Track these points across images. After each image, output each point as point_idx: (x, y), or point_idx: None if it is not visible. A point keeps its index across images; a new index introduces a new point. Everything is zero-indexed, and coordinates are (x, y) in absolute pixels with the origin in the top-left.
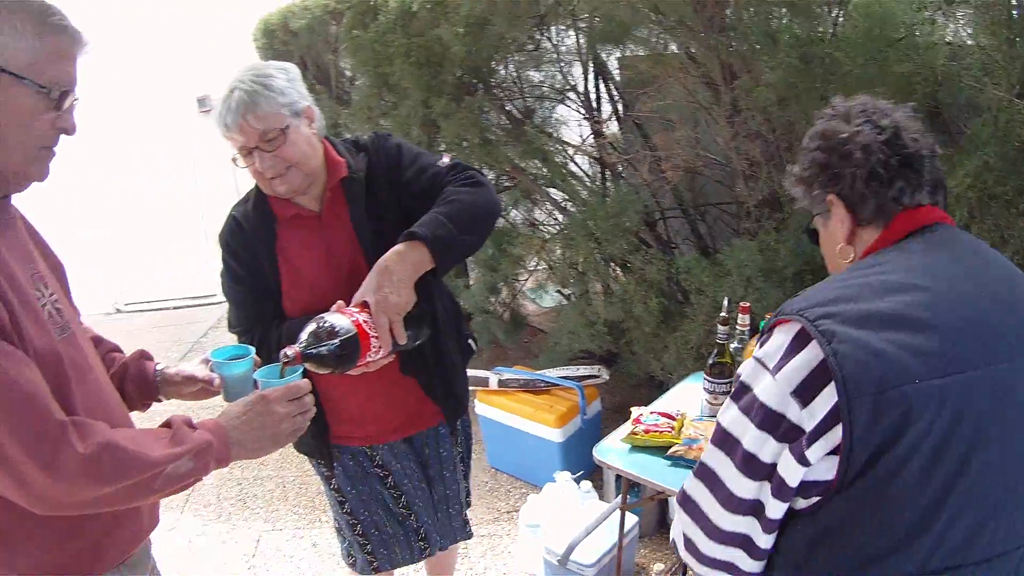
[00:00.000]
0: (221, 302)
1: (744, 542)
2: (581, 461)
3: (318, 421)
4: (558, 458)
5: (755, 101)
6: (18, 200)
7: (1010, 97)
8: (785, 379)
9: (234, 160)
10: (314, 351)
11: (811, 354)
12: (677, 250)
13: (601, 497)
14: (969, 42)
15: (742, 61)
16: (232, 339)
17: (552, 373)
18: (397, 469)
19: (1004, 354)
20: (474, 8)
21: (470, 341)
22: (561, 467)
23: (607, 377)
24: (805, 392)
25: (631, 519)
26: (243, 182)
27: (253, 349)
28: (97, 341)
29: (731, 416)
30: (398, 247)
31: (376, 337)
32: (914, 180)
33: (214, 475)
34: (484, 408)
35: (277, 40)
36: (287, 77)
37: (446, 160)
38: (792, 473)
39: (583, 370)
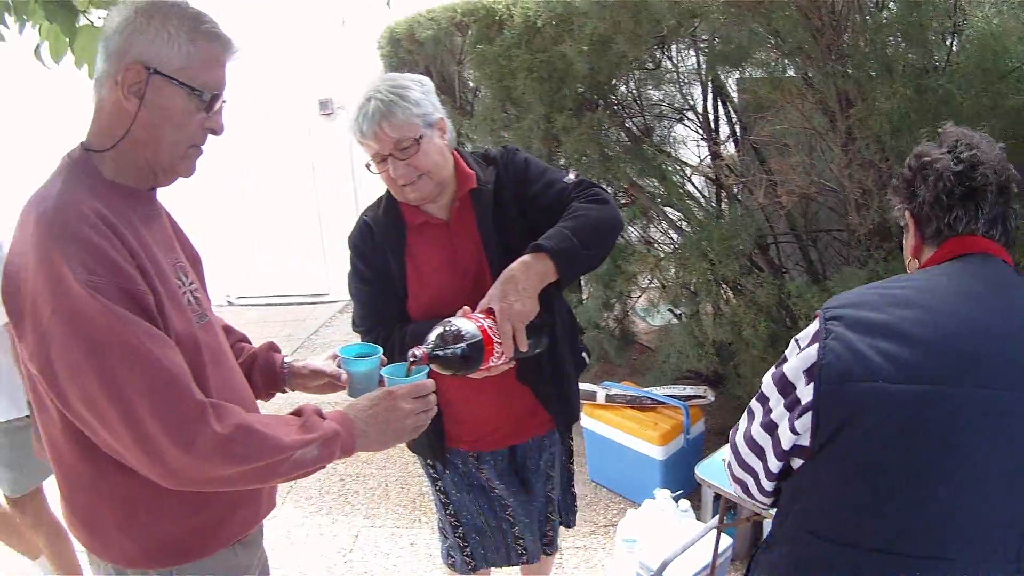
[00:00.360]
0: (333, 301)
1: (753, 474)
2: (681, 480)
3: (435, 422)
4: (659, 475)
5: (869, 130)
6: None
7: None
8: (802, 359)
9: (368, 166)
10: (440, 352)
11: (817, 345)
12: (788, 275)
13: (698, 517)
14: None
15: (857, 89)
16: (355, 337)
17: (658, 391)
18: (502, 476)
19: (974, 379)
20: (598, 27)
21: (584, 354)
22: (661, 484)
23: (712, 398)
24: (809, 373)
25: (725, 540)
26: (362, 187)
27: (381, 348)
28: (227, 330)
29: (770, 377)
30: (524, 258)
31: (499, 343)
32: (972, 211)
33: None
34: (589, 422)
35: (402, 49)
36: (422, 89)
37: (572, 176)
38: (785, 438)
39: (689, 390)
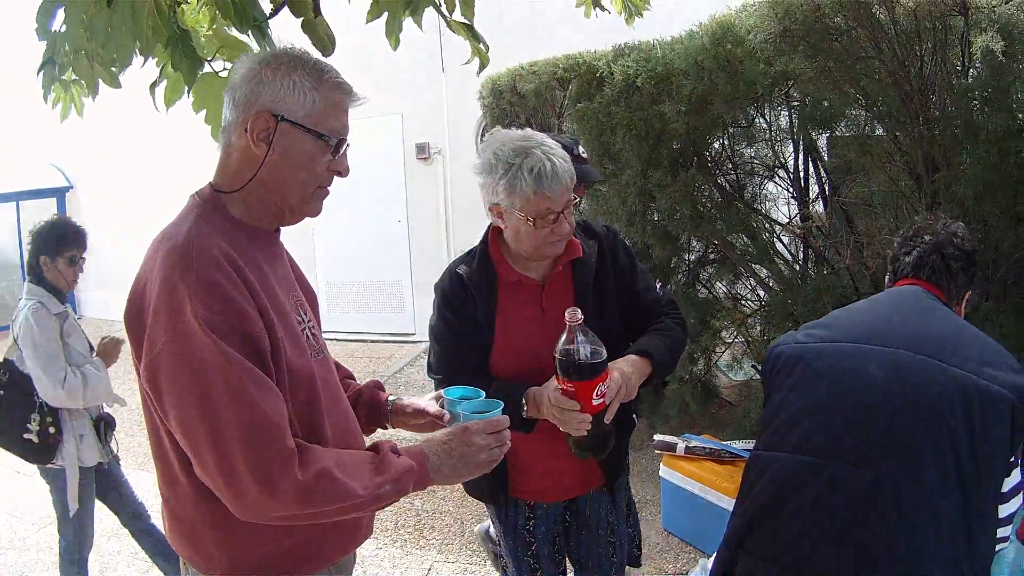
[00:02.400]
0: (418, 341)
1: None
2: None
3: (498, 469)
4: None
5: (953, 194)
6: None
7: None
8: None
9: (533, 221)
10: (575, 349)
11: None
12: None
13: None
14: None
15: (943, 154)
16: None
17: (738, 445)
18: (558, 527)
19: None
20: (696, 88)
21: (634, 415)
22: None
23: None
24: None
25: None
26: (454, 232)
27: (483, 392)
28: (337, 366)
29: None
30: (634, 358)
31: (606, 388)
32: (905, 265)
33: (394, 504)
34: (667, 472)
35: (504, 100)
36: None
37: (661, 292)
38: None
39: None
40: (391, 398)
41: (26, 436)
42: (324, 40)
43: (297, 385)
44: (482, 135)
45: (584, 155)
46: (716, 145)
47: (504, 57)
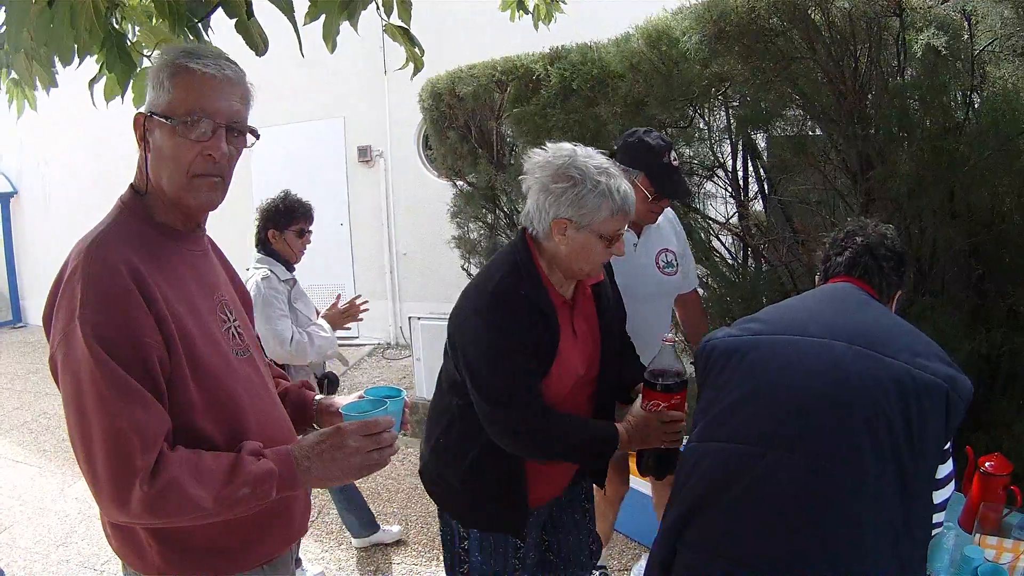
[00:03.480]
0: (361, 344)
1: None
2: None
3: (517, 491)
4: None
5: (887, 191)
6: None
7: None
8: None
9: (605, 240)
10: (676, 369)
11: None
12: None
13: None
14: None
15: (877, 152)
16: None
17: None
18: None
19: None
20: (631, 89)
21: None
22: None
23: None
24: None
25: None
26: (397, 235)
27: (404, 392)
28: (269, 365)
29: None
30: None
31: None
32: (837, 264)
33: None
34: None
35: (443, 103)
36: None
37: None
38: None
39: None
40: (317, 397)
41: None
42: (257, 41)
43: (213, 384)
44: (424, 139)
45: (675, 162)
46: None
47: (447, 60)
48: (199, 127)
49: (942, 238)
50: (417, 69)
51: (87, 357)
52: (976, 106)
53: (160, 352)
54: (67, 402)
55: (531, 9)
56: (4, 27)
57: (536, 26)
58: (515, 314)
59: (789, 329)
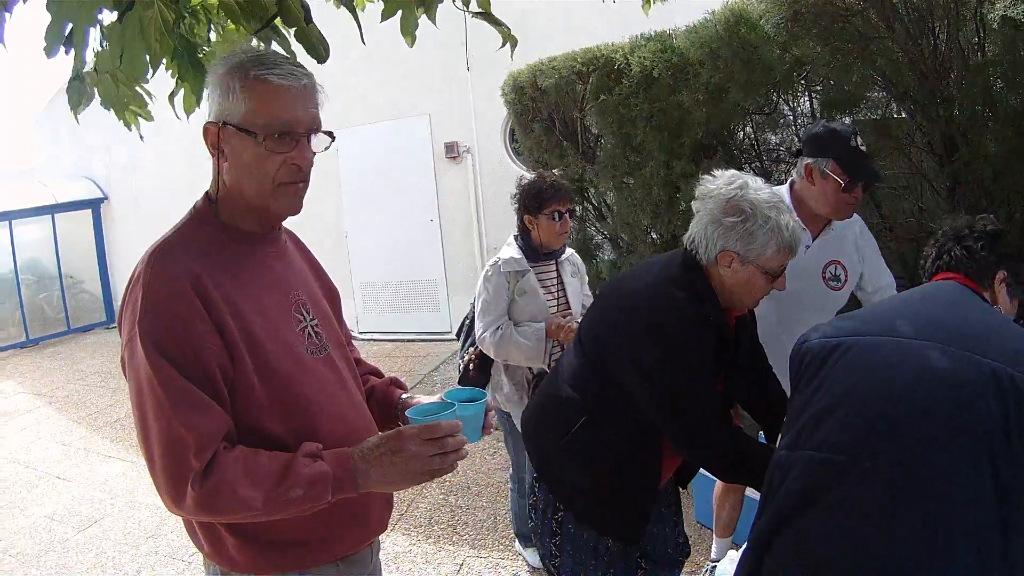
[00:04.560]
0: (452, 340)
1: None
2: None
3: (648, 502)
4: None
5: (973, 174)
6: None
7: None
8: None
9: (769, 275)
10: None
11: None
12: None
13: None
14: None
15: (961, 133)
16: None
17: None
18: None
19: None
20: (712, 76)
21: None
22: None
23: None
24: None
25: None
26: (487, 230)
27: (486, 394)
28: (359, 363)
29: None
30: None
31: None
32: (932, 263)
33: (428, 500)
34: None
35: (526, 96)
36: None
37: None
38: None
39: None
40: (404, 396)
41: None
42: (318, 49)
43: (281, 386)
44: (510, 132)
45: (864, 147)
46: (741, 133)
47: (527, 53)
48: (284, 141)
49: None
50: (513, 45)
51: (145, 363)
52: None
53: (220, 357)
54: (132, 400)
55: None
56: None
57: (645, 8)
58: (701, 335)
59: (883, 330)
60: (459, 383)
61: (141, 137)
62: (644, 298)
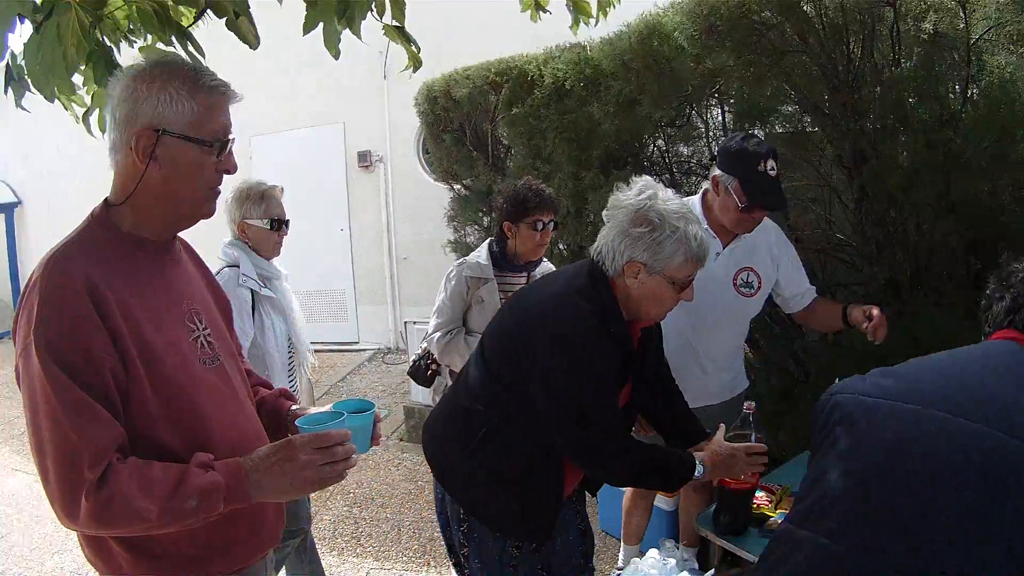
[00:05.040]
0: (361, 349)
1: None
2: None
3: (556, 504)
4: (667, 526)
5: (881, 185)
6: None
7: None
8: None
9: (676, 286)
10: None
11: None
12: (804, 328)
13: (705, 567)
14: None
15: (872, 145)
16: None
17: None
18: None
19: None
20: (624, 88)
21: None
22: (668, 534)
23: None
24: None
25: None
26: (396, 239)
27: (374, 405)
28: (249, 373)
29: None
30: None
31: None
32: (997, 314)
33: (332, 512)
34: None
35: (439, 106)
36: None
37: None
38: None
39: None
40: (293, 407)
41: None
42: (249, 37)
43: (174, 396)
44: (423, 143)
45: (772, 172)
46: (652, 146)
47: (445, 63)
48: (226, 148)
49: (939, 232)
50: (416, 67)
51: (40, 373)
52: (973, 96)
53: (115, 367)
54: (26, 415)
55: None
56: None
57: (574, 28)
58: (604, 346)
59: (936, 399)
60: (411, 377)
61: (77, 120)
62: (549, 309)
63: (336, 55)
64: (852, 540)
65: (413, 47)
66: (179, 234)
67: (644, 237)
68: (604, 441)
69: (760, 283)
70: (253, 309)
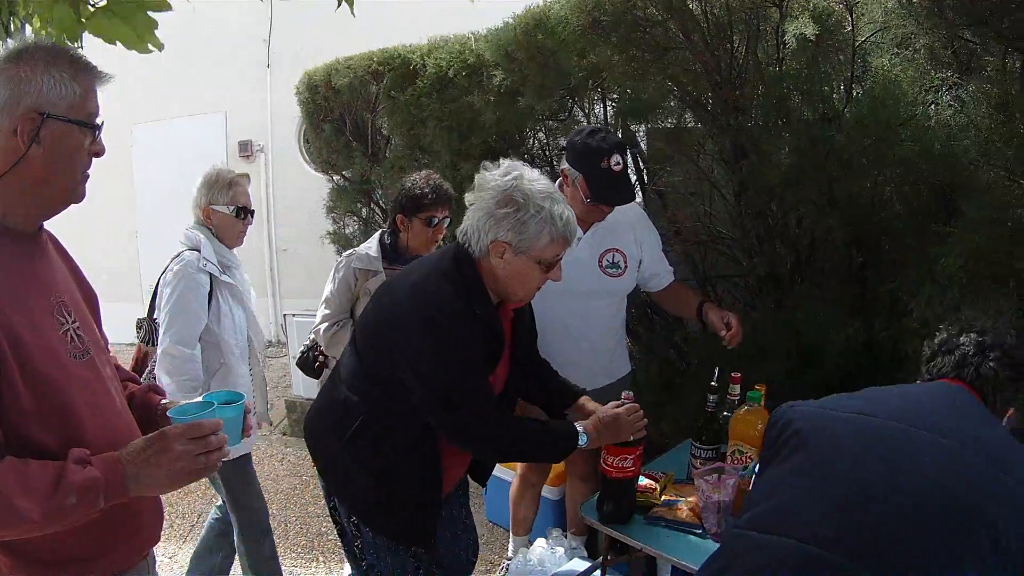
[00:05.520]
0: None
1: None
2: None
3: (434, 500)
4: (553, 515)
5: (760, 181)
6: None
7: (1006, 176)
8: None
9: (543, 266)
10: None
11: None
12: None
13: (594, 554)
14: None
15: (752, 142)
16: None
17: None
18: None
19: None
20: (505, 80)
21: None
22: (555, 524)
23: None
24: None
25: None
26: (276, 230)
27: (244, 398)
28: (118, 368)
29: None
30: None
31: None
32: (945, 364)
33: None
34: None
35: (320, 96)
36: None
37: None
38: None
39: None
40: (164, 401)
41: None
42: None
43: (46, 391)
44: (304, 134)
45: (617, 167)
46: (533, 139)
47: (329, 52)
48: (100, 131)
49: (821, 227)
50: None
51: None
52: (857, 96)
53: None
54: None
55: None
56: None
57: None
58: (471, 329)
59: (902, 417)
60: (300, 368)
61: None
62: (416, 293)
63: None
64: (833, 542)
65: None
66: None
67: (509, 217)
68: (477, 422)
69: (626, 263)
70: (210, 295)
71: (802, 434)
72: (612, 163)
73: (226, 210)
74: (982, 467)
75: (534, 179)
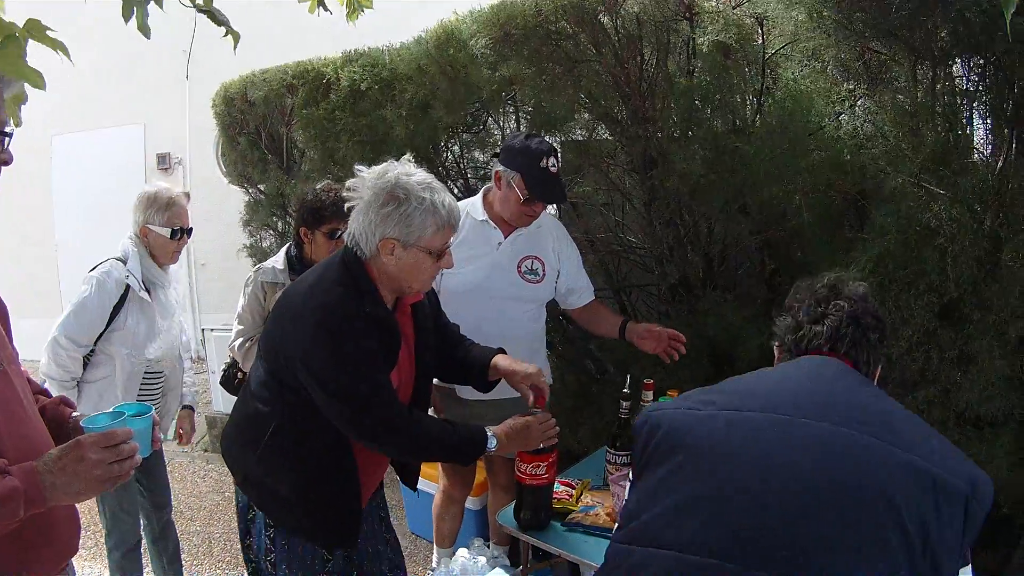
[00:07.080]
0: None
1: None
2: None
3: (354, 499)
4: (475, 525)
5: (668, 191)
6: None
7: (914, 184)
8: None
9: (433, 255)
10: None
11: None
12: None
13: (516, 563)
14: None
15: (660, 152)
16: None
17: None
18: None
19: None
20: (416, 93)
21: None
22: (477, 533)
23: None
24: None
25: None
26: (195, 246)
27: (152, 410)
28: (29, 381)
29: None
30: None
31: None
32: (816, 335)
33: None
34: None
35: (235, 108)
36: None
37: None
38: None
39: None
40: (75, 414)
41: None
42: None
43: None
44: (220, 147)
45: (553, 169)
46: (447, 152)
47: (247, 65)
48: (10, 140)
49: (731, 234)
50: (236, 40)
51: None
52: (767, 107)
53: None
54: None
55: (330, 6)
56: None
57: (350, 17)
58: (363, 330)
59: (770, 406)
60: (223, 387)
61: None
62: (307, 300)
63: (147, 34)
64: (718, 551)
65: (227, 25)
66: None
67: (393, 214)
68: (378, 421)
69: (544, 271)
70: (119, 306)
71: (671, 439)
72: (549, 164)
73: (162, 231)
74: (869, 443)
75: (411, 172)
